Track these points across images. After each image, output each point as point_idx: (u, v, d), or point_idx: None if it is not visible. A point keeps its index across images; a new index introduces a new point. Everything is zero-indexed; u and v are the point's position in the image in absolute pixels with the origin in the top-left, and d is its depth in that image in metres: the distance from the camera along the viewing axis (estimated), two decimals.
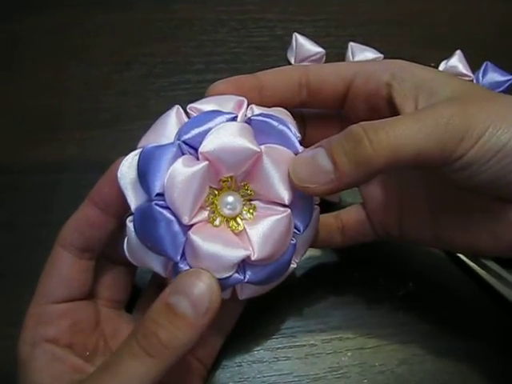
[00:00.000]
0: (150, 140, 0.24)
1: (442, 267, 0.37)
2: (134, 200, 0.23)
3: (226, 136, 0.22)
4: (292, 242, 0.25)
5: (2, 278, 0.35)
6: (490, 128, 0.22)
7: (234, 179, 0.24)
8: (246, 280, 0.24)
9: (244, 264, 0.24)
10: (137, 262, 0.25)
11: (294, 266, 0.26)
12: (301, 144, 0.25)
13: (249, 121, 0.24)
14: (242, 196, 0.24)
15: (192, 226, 0.23)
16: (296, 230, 0.25)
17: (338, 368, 0.33)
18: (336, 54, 0.46)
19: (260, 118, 0.24)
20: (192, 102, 0.25)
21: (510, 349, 0.35)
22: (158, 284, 0.30)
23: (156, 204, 0.22)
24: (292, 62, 0.46)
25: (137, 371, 0.21)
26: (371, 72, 0.27)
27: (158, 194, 0.22)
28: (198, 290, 0.22)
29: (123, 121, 0.42)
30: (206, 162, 0.22)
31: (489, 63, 0.46)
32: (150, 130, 0.25)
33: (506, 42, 0.50)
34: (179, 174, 0.22)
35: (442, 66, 0.47)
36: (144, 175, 0.22)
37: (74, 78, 0.44)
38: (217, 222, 0.24)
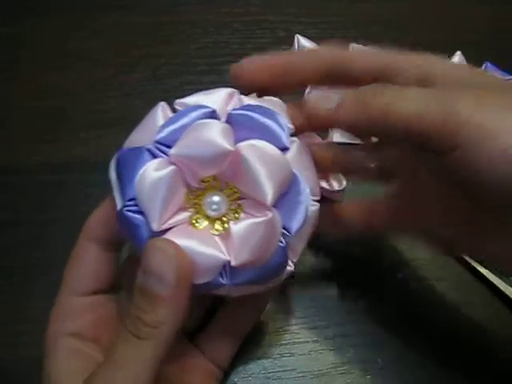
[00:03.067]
0: (134, 139, 0.24)
1: (445, 266, 0.38)
2: (118, 200, 0.23)
3: (196, 134, 0.22)
4: (281, 244, 0.23)
5: (9, 276, 0.35)
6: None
7: (216, 178, 0.23)
8: (227, 284, 0.23)
9: (225, 267, 0.22)
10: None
11: (290, 268, 0.25)
12: (293, 136, 0.24)
13: (229, 115, 0.23)
14: (229, 196, 0.23)
15: (167, 230, 0.22)
16: (286, 231, 0.23)
17: (341, 364, 0.33)
18: None
19: (240, 111, 0.23)
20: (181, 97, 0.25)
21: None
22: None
23: (126, 210, 0.22)
24: None
25: (131, 355, 0.21)
26: (403, 68, 0.26)
27: (132, 199, 0.22)
28: (158, 263, 0.21)
29: (128, 121, 0.41)
30: (173, 167, 0.22)
31: (488, 63, 0.47)
32: (136, 128, 0.24)
33: (507, 42, 0.50)
34: (147, 178, 0.22)
35: None
36: (119, 179, 0.23)
37: (78, 79, 0.44)
38: (200, 223, 0.23)
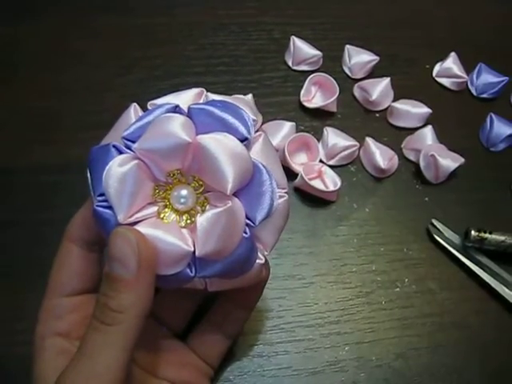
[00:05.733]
0: (108, 139, 0.24)
1: (436, 263, 0.38)
2: (93, 198, 0.24)
3: (157, 129, 0.22)
4: (245, 235, 0.23)
5: (6, 275, 0.36)
6: None
7: (182, 172, 0.23)
8: (195, 276, 0.23)
9: (195, 259, 0.23)
10: None
11: (261, 261, 0.25)
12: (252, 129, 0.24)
13: (188, 110, 0.24)
14: (195, 189, 0.23)
15: (136, 223, 0.23)
16: (250, 222, 0.23)
17: (335, 362, 0.34)
18: (333, 56, 0.47)
19: (200, 106, 0.23)
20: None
21: (507, 344, 0.35)
22: None
23: (97, 205, 0.23)
24: (290, 64, 0.47)
25: (100, 342, 0.22)
26: None
27: (101, 195, 0.23)
28: (120, 248, 0.21)
29: None
30: (136, 161, 0.23)
31: (483, 65, 0.47)
32: (111, 129, 0.25)
33: (501, 43, 0.51)
34: (113, 174, 0.22)
35: (436, 68, 0.48)
36: (90, 176, 0.23)
37: (76, 80, 0.45)
38: (168, 217, 0.24)
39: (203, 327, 0.30)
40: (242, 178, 0.23)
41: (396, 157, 0.42)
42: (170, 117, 0.23)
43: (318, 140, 0.42)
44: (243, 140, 0.23)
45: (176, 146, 0.22)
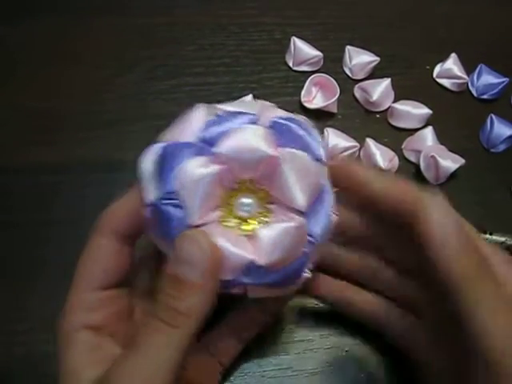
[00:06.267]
0: (172, 135, 0.24)
1: None
2: (150, 192, 0.23)
3: (241, 137, 0.23)
4: (305, 250, 0.24)
5: (5, 276, 0.36)
6: None
7: (252, 181, 0.24)
8: (249, 283, 0.23)
9: (249, 267, 0.23)
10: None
11: (307, 274, 0.25)
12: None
13: (271, 123, 0.24)
14: (260, 199, 0.24)
15: (200, 225, 0.23)
16: (311, 238, 0.24)
17: (335, 363, 0.34)
18: (333, 57, 0.47)
19: (283, 121, 0.24)
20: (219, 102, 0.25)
21: None
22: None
23: (163, 203, 0.22)
24: (290, 65, 0.47)
25: (164, 343, 0.21)
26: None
27: (170, 192, 0.22)
28: (189, 251, 0.22)
29: (124, 122, 0.43)
30: (218, 166, 0.23)
31: (483, 65, 0.47)
32: (174, 125, 0.25)
33: (502, 44, 0.51)
34: (189, 174, 0.22)
35: (437, 69, 0.48)
36: (160, 171, 0.23)
37: (75, 80, 0.45)
38: (230, 223, 0.24)
39: (222, 330, 0.30)
40: (312, 197, 0.24)
41: (396, 158, 0.42)
42: (255, 128, 0.23)
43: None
44: (317, 160, 0.24)
45: (258, 159, 0.23)
